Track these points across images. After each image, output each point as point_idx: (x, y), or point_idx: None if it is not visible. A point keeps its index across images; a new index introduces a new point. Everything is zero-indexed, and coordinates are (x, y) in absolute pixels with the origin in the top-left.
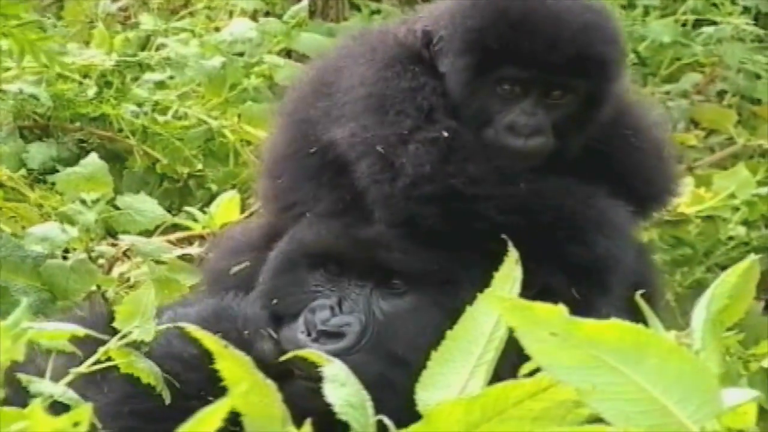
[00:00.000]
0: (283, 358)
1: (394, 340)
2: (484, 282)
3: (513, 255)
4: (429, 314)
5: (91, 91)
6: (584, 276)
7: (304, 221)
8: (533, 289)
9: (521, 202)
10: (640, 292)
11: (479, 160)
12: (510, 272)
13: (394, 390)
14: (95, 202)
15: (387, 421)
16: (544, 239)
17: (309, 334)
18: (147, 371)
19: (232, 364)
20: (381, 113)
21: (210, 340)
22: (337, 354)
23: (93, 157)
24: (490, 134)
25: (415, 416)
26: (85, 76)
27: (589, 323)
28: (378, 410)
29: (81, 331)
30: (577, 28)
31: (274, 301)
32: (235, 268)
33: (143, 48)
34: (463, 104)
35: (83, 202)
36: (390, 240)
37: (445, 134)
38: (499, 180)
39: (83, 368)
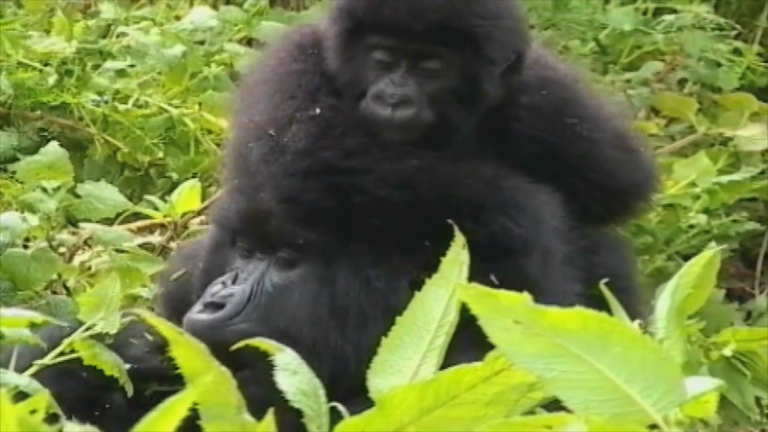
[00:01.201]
0: (233, 347)
1: (280, 311)
2: (366, 258)
3: (460, 239)
4: (308, 286)
5: (52, 79)
6: (492, 260)
7: (221, 201)
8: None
9: (406, 177)
10: (604, 281)
11: (358, 135)
12: (457, 256)
13: None
14: (56, 190)
15: (341, 408)
16: (434, 217)
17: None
18: (111, 363)
19: (188, 352)
20: (273, 97)
21: (166, 328)
22: (214, 323)
23: (53, 146)
24: (362, 105)
25: None
26: (46, 64)
27: (552, 311)
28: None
29: (39, 318)
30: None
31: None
32: (175, 275)
33: (104, 37)
34: (340, 74)
35: (44, 190)
36: (278, 212)
37: (318, 111)
38: (382, 155)
39: (47, 360)
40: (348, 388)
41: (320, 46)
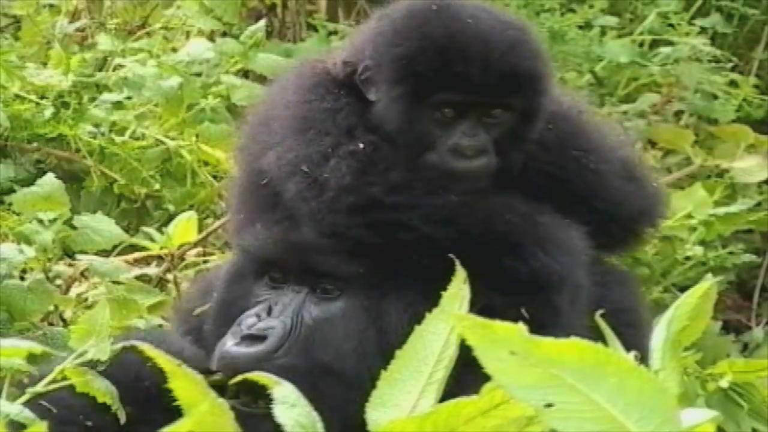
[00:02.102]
0: (232, 381)
1: (321, 344)
2: (416, 293)
3: (461, 274)
4: (354, 319)
5: (48, 112)
6: (527, 294)
7: (250, 231)
8: (474, 306)
9: (450, 213)
10: (600, 312)
11: (402, 170)
12: (458, 291)
13: (321, 394)
14: (52, 221)
15: None
16: (476, 252)
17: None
18: (103, 390)
19: (186, 384)
20: (304, 134)
21: (164, 360)
22: (259, 357)
23: (50, 177)
24: (433, 159)
25: (346, 421)
26: (42, 97)
27: (548, 342)
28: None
29: (38, 348)
30: (505, 47)
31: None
32: (198, 309)
33: (100, 69)
34: (402, 132)
35: (40, 222)
36: (321, 243)
37: (362, 146)
38: (425, 190)
39: (39, 387)
40: None
41: (342, 85)
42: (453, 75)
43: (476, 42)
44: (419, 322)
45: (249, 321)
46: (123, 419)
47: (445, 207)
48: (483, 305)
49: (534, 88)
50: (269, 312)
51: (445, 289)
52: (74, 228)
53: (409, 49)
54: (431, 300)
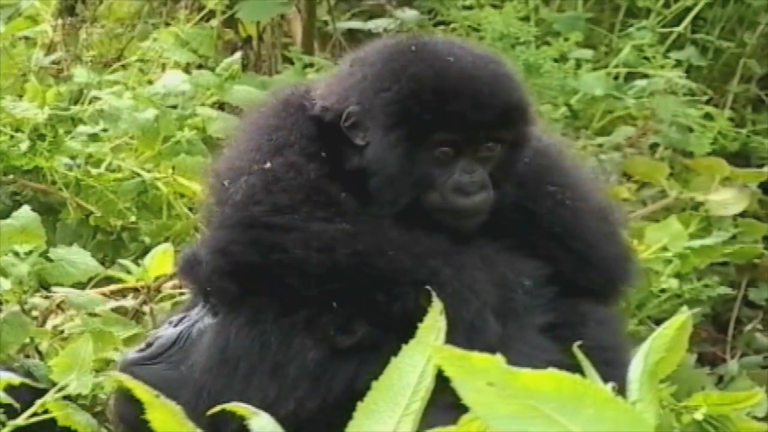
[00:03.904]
0: (210, 412)
1: (188, 356)
2: (265, 313)
3: (437, 306)
4: (208, 334)
5: (24, 145)
6: (406, 332)
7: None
8: (350, 335)
9: (328, 241)
10: (578, 343)
11: (298, 193)
12: (434, 323)
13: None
14: (28, 254)
15: None
16: (348, 284)
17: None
18: (84, 424)
19: (164, 415)
20: (238, 148)
21: (141, 390)
22: (135, 361)
23: (25, 209)
24: (435, 199)
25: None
26: (18, 129)
27: (526, 373)
28: None
29: (16, 380)
30: (492, 82)
31: None
32: None
33: (76, 101)
34: (402, 174)
35: (16, 254)
36: (207, 262)
37: (269, 165)
38: (309, 215)
39: (20, 420)
40: None
41: (301, 109)
42: (449, 114)
43: (465, 79)
44: (263, 340)
45: (160, 329)
46: None
47: (324, 234)
48: (364, 336)
49: (524, 119)
50: (177, 323)
51: (308, 309)
52: (50, 260)
53: (401, 92)
54: (283, 320)
